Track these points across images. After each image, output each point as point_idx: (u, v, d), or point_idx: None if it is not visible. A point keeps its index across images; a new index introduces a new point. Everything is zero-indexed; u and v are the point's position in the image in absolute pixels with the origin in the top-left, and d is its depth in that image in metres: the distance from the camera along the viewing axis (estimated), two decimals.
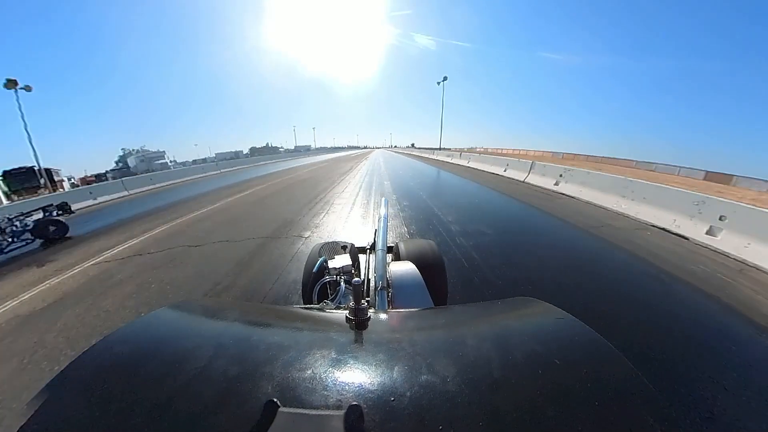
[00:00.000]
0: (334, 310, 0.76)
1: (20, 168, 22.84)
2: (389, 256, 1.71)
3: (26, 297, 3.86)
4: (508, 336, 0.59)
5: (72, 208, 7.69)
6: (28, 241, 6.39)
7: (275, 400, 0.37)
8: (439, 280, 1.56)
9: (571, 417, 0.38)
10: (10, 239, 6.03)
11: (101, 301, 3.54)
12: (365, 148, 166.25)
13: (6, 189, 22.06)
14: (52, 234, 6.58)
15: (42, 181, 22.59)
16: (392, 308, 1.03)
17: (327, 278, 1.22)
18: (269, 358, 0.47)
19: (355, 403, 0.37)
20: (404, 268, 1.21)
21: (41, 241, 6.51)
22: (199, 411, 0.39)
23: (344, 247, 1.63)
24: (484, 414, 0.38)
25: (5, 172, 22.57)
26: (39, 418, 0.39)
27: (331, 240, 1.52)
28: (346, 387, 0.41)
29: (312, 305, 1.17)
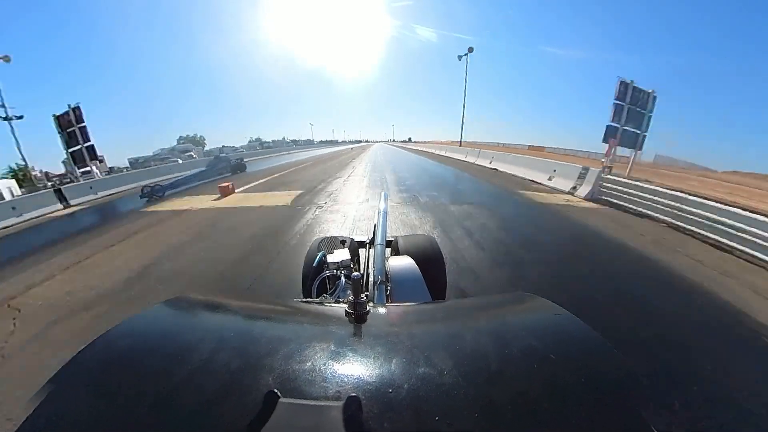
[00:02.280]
0: (333, 304, 0.77)
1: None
2: (388, 251, 1.72)
3: (263, 179, 12.93)
4: (504, 330, 0.59)
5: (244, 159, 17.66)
6: (228, 173, 14.14)
7: (276, 391, 0.38)
8: (438, 274, 1.57)
9: (566, 410, 0.39)
10: (223, 171, 14.04)
11: (286, 178, 12.70)
12: (366, 141, 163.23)
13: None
14: (240, 169, 15.13)
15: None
16: (391, 302, 1.03)
17: (326, 273, 1.23)
18: (270, 350, 0.48)
19: (353, 394, 0.38)
20: (403, 262, 1.21)
21: (230, 173, 14.25)
22: (201, 402, 0.40)
23: (343, 242, 1.63)
24: (480, 406, 0.38)
25: None
26: (43, 411, 0.39)
27: (330, 235, 1.53)
28: (345, 379, 0.42)
29: (311, 299, 1.17)
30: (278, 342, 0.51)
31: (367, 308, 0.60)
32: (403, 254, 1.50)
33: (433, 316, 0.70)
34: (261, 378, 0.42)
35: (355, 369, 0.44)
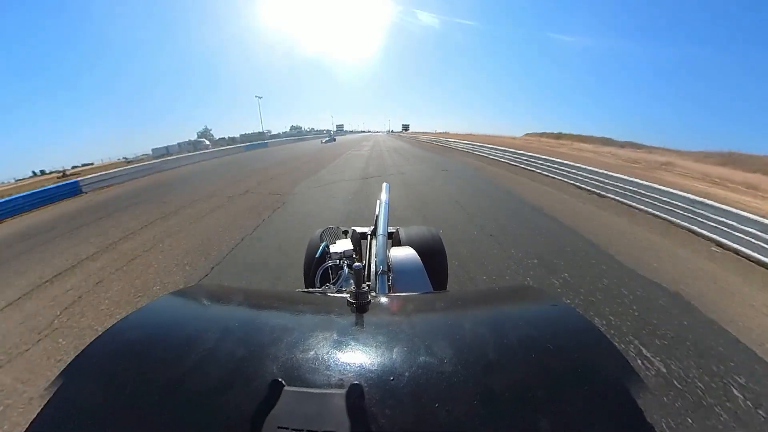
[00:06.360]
0: (335, 294, 0.78)
1: None
2: (389, 242, 1.72)
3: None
4: (503, 320, 0.60)
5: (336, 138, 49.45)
6: (334, 141, 42.46)
7: (280, 379, 0.39)
8: (439, 265, 1.57)
9: (561, 398, 0.39)
10: (332, 140, 43.74)
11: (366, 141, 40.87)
12: (369, 132, 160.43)
13: None
14: (334, 140, 43.08)
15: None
16: (392, 292, 1.04)
17: (329, 263, 1.23)
18: (274, 339, 0.49)
19: (356, 382, 0.39)
20: (404, 253, 1.22)
21: (334, 141, 42.00)
22: (208, 391, 0.41)
23: (345, 232, 1.63)
24: (479, 393, 0.39)
25: None
26: (55, 403, 0.40)
27: (332, 225, 1.53)
28: (348, 367, 0.43)
29: (314, 289, 1.19)
30: (282, 331, 0.52)
31: (369, 298, 0.60)
32: (404, 245, 1.51)
33: (434, 306, 0.71)
34: (266, 367, 0.43)
35: (357, 357, 0.45)
